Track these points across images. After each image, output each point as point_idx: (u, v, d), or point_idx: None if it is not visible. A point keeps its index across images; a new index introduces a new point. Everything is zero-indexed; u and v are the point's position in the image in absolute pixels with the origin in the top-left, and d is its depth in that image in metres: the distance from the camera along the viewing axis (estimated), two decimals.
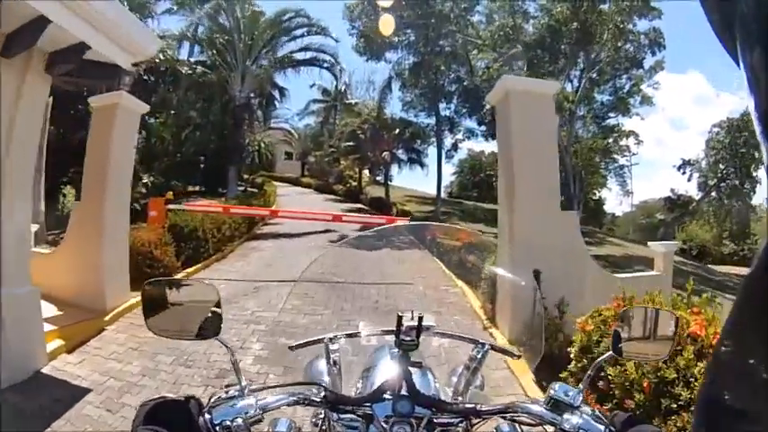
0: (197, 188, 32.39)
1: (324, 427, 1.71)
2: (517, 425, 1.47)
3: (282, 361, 6.78)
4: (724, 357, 0.66)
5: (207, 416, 1.31)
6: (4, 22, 6.01)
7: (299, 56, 33.43)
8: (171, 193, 16.08)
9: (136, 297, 9.73)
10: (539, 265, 6.52)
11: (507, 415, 1.40)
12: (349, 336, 2.01)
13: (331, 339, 1.93)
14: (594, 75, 30.53)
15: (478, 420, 1.44)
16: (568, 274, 7.63)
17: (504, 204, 9.03)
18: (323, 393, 1.44)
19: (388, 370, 1.63)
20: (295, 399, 1.43)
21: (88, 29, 6.49)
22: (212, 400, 1.39)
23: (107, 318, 8.82)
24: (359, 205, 34.71)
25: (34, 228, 10.18)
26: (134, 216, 11.36)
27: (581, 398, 1.34)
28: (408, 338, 1.57)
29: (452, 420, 1.42)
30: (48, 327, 7.45)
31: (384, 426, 1.36)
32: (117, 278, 9.45)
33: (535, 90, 8.94)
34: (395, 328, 1.59)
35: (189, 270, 12.61)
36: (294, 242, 18.03)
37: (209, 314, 1.56)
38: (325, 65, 34.57)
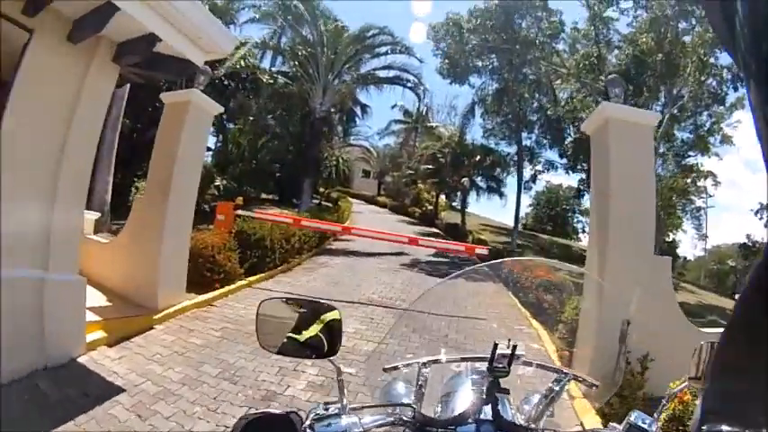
0: (270, 196, 32.51)
1: None
2: None
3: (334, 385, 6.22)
4: (723, 364, 0.65)
5: (309, 431, 1.30)
6: (72, 8, 6.01)
7: (382, 73, 33.32)
8: (241, 198, 15.86)
9: (191, 299, 9.60)
10: (627, 314, 5.84)
11: None
12: (442, 362, 1.88)
13: (424, 364, 1.82)
14: (676, 111, 28.97)
15: None
16: (656, 327, 6.71)
17: (594, 242, 8.30)
18: (412, 414, 1.42)
19: (473, 395, 1.61)
20: (391, 419, 1.42)
21: (158, 20, 6.36)
22: (311, 416, 1.35)
23: (157, 316, 8.51)
24: (434, 230, 34.13)
25: (94, 216, 10.03)
26: (203, 218, 11.09)
27: (656, 427, 1.36)
28: (501, 365, 1.51)
29: None
30: (92, 317, 7.30)
31: None
32: (173, 277, 9.18)
33: (636, 120, 8.09)
34: (489, 355, 1.52)
35: (251, 279, 12.19)
36: (364, 262, 17.58)
37: (332, 333, 1.56)
38: (409, 84, 34.25)
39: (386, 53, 31.86)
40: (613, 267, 7.38)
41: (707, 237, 40.57)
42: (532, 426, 1.63)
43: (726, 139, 32.31)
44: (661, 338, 6.59)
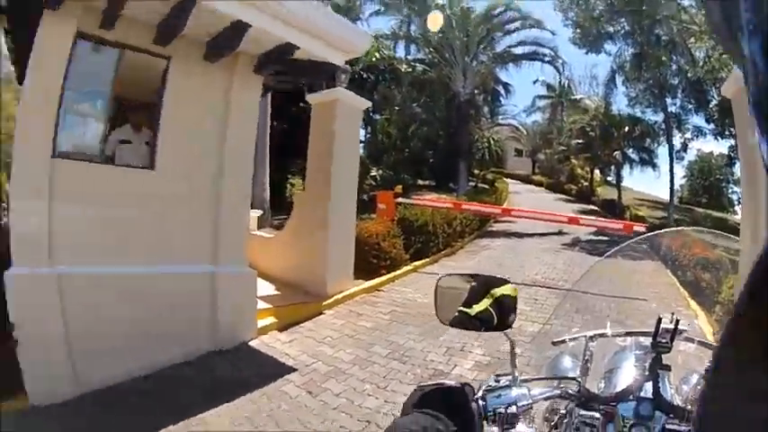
0: (426, 182, 32.36)
1: (557, 422, 1.62)
2: None
3: (503, 366, 6.07)
4: (725, 356, 0.56)
5: (481, 402, 1.33)
6: (202, 29, 6.37)
7: (518, 50, 32.06)
8: (400, 186, 15.93)
9: (359, 285, 9.75)
10: None
11: None
12: (610, 336, 1.86)
13: (591, 338, 1.82)
14: None
15: None
16: None
17: (747, 214, 7.58)
18: (578, 389, 1.46)
19: (635, 371, 1.56)
20: (558, 392, 1.46)
21: (292, 30, 6.55)
22: (484, 387, 1.39)
23: (326, 302, 8.71)
24: (590, 207, 32.81)
25: (258, 213, 10.44)
26: (362, 207, 11.38)
27: None
28: (664, 341, 1.49)
29: (681, 428, 1.35)
30: (262, 305, 7.64)
31: (623, 426, 1.35)
32: (340, 265, 9.35)
33: None
34: (653, 330, 1.51)
35: (417, 264, 12.20)
36: (525, 242, 17.07)
37: (502, 308, 1.57)
38: (546, 58, 32.82)
39: (516, 29, 30.87)
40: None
41: None
42: (689, 408, 1.51)
43: None
44: None
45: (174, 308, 6.34)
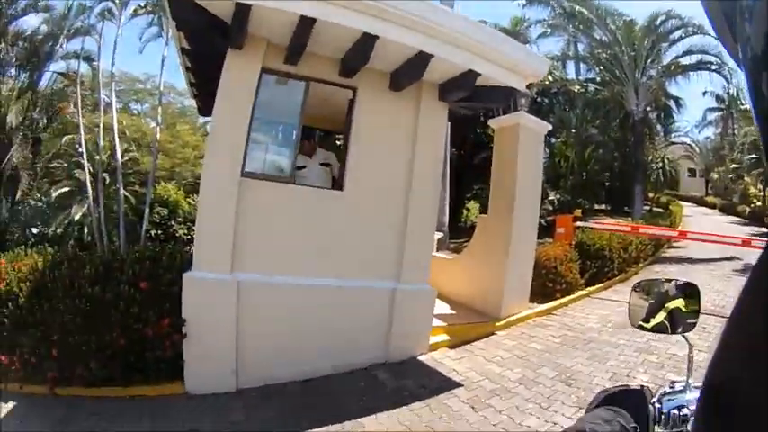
0: (602, 207, 31.33)
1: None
2: None
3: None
4: (730, 343, 0.61)
5: (657, 404, 1.38)
6: (388, 62, 6.72)
7: (684, 60, 29.86)
8: (579, 210, 15.65)
9: (533, 309, 9.68)
10: None
11: None
12: None
13: None
14: None
15: None
16: None
17: None
18: None
19: None
20: None
21: (474, 58, 6.60)
22: (661, 391, 1.44)
23: (499, 323, 8.67)
24: (764, 229, 29.89)
25: (438, 235, 10.62)
26: (541, 231, 11.11)
27: None
28: None
29: None
30: (437, 322, 7.74)
31: None
32: (517, 289, 9.25)
33: None
34: None
35: (591, 288, 11.78)
36: (697, 267, 16.00)
37: (675, 302, 1.65)
38: (713, 67, 30.41)
39: (680, 38, 28.91)
40: None
41: None
42: None
43: None
44: None
45: (351, 319, 6.68)
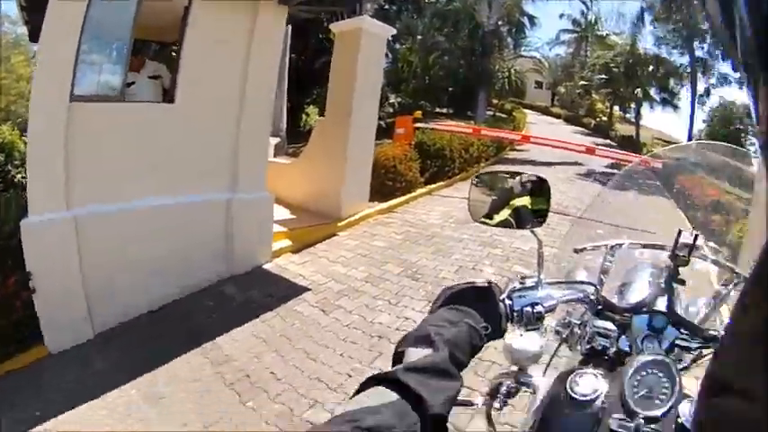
0: (445, 110, 31.74)
1: (567, 335, 1.61)
2: None
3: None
4: (733, 336, 0.58)
5: (508, 301, 1.30)
6: None
7: None
8: (419, 112, 15.70)
9: (374, 207, 9.75)
10: None
11: None
12: (628, 247, 1.82)
13: (611, 247, 1.76)
14: None
15: (713, 350, 1.31)
16: None
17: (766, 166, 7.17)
18: (596, 297, 1.44)
19: (650, 285, 1.53)
20: (580, 296, 1.43)
21: None
22: (510, 287, 1.34)
23: (340, 224, 8.68)
24: (608, 141, 31.92)
25: (275, 141, 10.38)
26: (380, 133, 11.23)
27: None
28: (682, 254, 1.44)
29: (691, 345, 1.38)
30: (277, 228, 7.60)
31: (636, 337, 1.37)
32: (356, 189, 9.28)
33: None
34: (672, 243, 1.46)
35: (432, 186, 12.11)
36: (540, 170, 16.43)
37: (521, 200, 1.57)
38: None
39: None
40: None
41: None
42: (700, 325, 1.51)
43: None
44: None
45: (190, 237, 6.36)
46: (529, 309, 1.29)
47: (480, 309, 1.19)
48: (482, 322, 1.14)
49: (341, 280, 6.57)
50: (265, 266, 6.99)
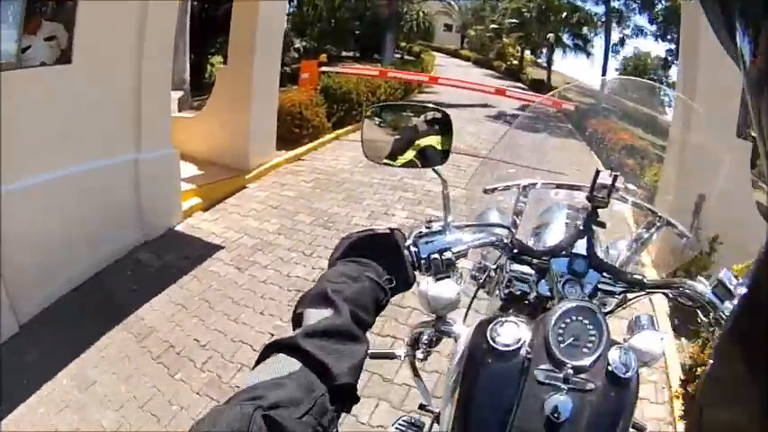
0: (351, 54, 31.38)
1: (484, 279, 1.60)
2: (655, 317, 1.30)
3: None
4: (727, 349, 0.56)
5: (413, 248, 1.23)
6: None
7: None
8: (324, 56, 15.46)
9: (281, 156, 9.65)
10: (703, 189, 5.22)
11: (670, 292, 1.31)
12: (542, 187, 1.84)
13: (524, 187, 1.77)
14: None
15: (637, 294, 1.38)
16: (727, 212, 6.12)
17: (678, 116, 7.52)
18: (510, 240, 1.38)
19: (568, 227, 1.58)
20: (492, 240, 1.37)
21: None
22: (415, 232, 1.27)
23: (248, 176, 8.55)
24: (519, 84, 32.20)
25: (178, 95, 10.09)
26: (285, 79, 11.20)
27: (741, 291, 1.17)
28: (600, 195, 1.36)
29: (614, 289, 1.36)
30: (185, 186, 7.34)
31: (557, 281, 1.33)
32: (262, 138, 9.13)
33: None
34: (589, 184, 1.38)
35: (339, 131, 12.06)
36: (450, 112, 16.70)
37: (427, 140, 1.44)
38: None
39: None
40: (695, 142, 6.55)
41: None
42: (623, 269, 1.51)
43: None
44: (730, 223, 6.08)
45: (102, 205, 5.96)
46: (437, 256, 1.24)
47: (383, 259, 1.12)
48: (385, 275, 1.08)
49: (254, 234, 6.52)
50: (177, 228, 6.78)
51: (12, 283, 4.95)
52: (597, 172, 1.37)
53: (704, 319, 1.27)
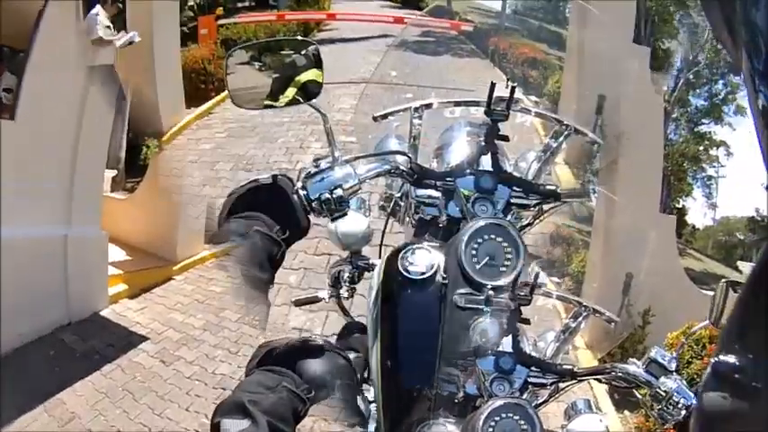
0: (247, 3, 30.55)
1: (392, 208, 1.53)
2: (592, 397, 1.50)
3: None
4: (725, 356, 0.60)
5: (302, 192, 1.17)
6: None
7: None
8: (220, 9, 15.27)
9: (208, 250, 8.89)
10: (630, 267, 5.40)
11: (603, 377, 1.29)
12: (437, 106, 1.64)
13: (416, 109, 1.56)
14: (692, 76, 25.44)
15: (569, 383, 1.27)
16: (657, 285, 6.33)
17: (601, 201, 7.83)
18: (409, 165, 1.30)
19: (471, 145, 1.43)
20: (387, 168, 1.30)
21: None
22: (303, 174, 1.21)
23: (175, 267, 8.13)
24: (419, 12, 32.02)
25: (112, 173, 9.96)
26: (185, 38, 10.96)
27: (675, 364, 1.22)
28: (499, 108, 1.32)
29: (528, 202, 1.34)
30: (114, 270, 7.11)
31: (465, 201, 1.27)
32: (192, 230, 8.49)
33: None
34: (485, 99, 1.31)
35: None
36: (350, 46, 16.22)
37: (307, 74, 1.39)
38: None
39: None
40: (618, 225, 6.73)
41: (717, 206, 36.51)
42: (535, 182, 1.46)
43: (740, 110, 28.80)
44: (661, 296, 6.12)
45: (28, 275, 5.67)
46: (327, 195, 1.18)
47: (270, 209, 1.11)
48: (303, 385, 1.03)
49: (179, 328, 6.49)
50: (103, 313, 6.58)
51: None
52: (492, 84, 1.31)
53: (641, 397, 1.25)
